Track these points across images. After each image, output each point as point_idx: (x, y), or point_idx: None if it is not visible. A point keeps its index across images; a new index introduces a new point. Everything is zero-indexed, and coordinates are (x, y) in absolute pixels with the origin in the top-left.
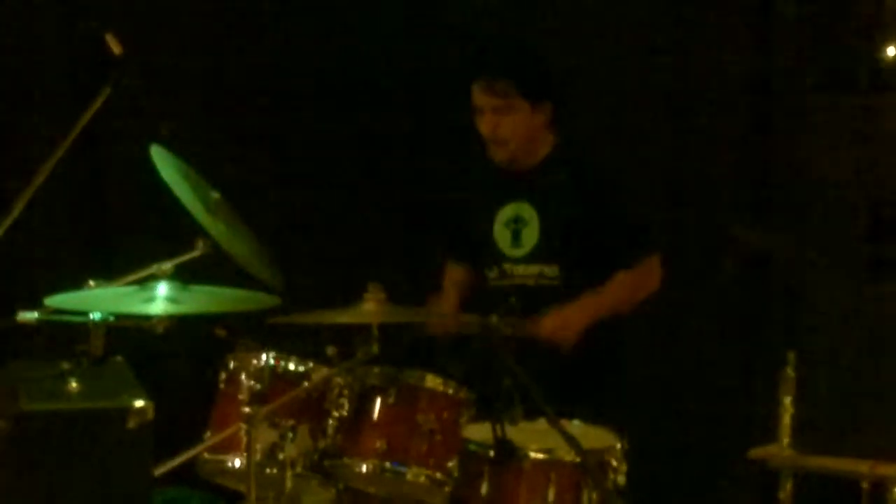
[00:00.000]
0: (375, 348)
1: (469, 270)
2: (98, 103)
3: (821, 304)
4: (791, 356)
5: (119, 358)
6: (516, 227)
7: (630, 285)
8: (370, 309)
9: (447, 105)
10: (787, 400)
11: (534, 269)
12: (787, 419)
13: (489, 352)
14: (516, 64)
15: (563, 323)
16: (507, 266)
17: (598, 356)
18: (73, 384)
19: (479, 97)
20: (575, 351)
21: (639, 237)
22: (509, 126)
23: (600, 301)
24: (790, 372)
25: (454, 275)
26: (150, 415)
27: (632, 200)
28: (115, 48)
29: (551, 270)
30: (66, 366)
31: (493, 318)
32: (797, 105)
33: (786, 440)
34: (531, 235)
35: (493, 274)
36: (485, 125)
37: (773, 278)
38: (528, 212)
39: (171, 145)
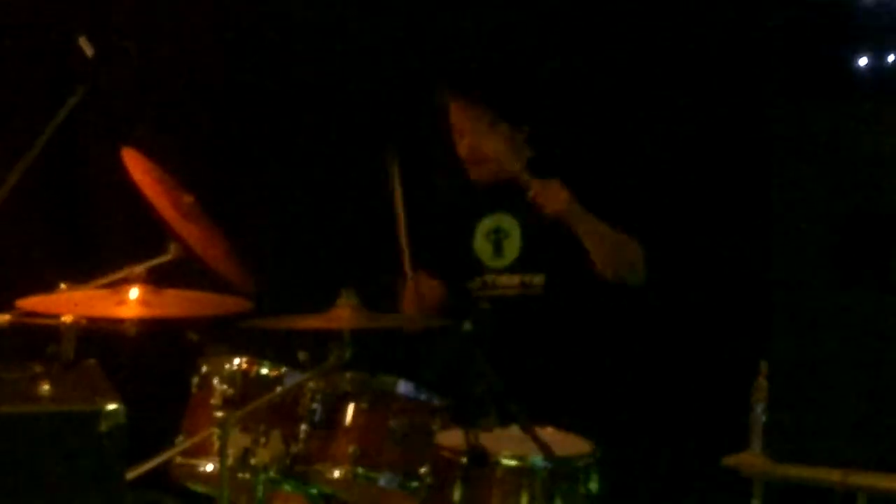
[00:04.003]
0: (348, 354)
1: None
2: (71, 105)
3: (793, 312)
4: (763, 364)
5: (91, 361)
6: (497, 238)
7: (625, 243)
8: (343, 314)
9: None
10: (760, 408)
11: (516, 279)
12: (759, 427)
13: (463, 357)
14: (495, 86)
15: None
16: (489, 278)
17: (571, 362)
18: (45, 387)
19: (459, 119)
20: (548, 357)
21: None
22: (489, 147)
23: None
24: (763, 380)
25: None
26: (123, 418)
27: (613, 200)
28: (88, 50)
29: (537, 279)
30: (37, 368)
31: (467, 325)
32: (768, 113)
33: (758, 448)
34: (513, 246)
35: (475, 286)
36: (464, 147)
37: (746, 286)
38: (508, 222)
39: (143, 147)
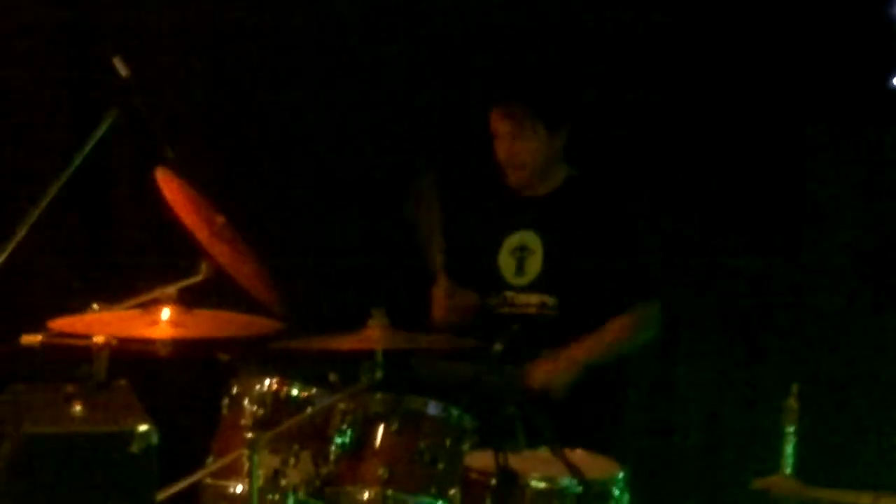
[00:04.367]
0: (379, 374)
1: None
2: (105, 125)
3: (825, 335)
4: (794, 387)
5: (123, 381)
6: (521, 256)
7: (624, 331)
8: (374, 335)
9: (460, 127)
10: (790, 430)
11: (534, 298)
12: (789, 449)
13: (493, 379)
14: (533, 88)
15: (551, 374)
16: (509, 294)
17: (601, 385)
18: (77, 407)
19: (497, 122)
20: (576, 385)
21: (639, 282)
22: (526, 151)
23: (591, 347)
24: (793, 402)
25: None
26: (154, 439)
27: (638, 244)
28: (123, 71)
29: (551, 300)
30: (69, 389)
31: (497, 346)
32: (800, 133)
33: (788, 470)
34: (535, 265)
35: (495, 301)
36: (502, 150)
37: (778, 308)
38: (533, 241)
39: (176, 168)
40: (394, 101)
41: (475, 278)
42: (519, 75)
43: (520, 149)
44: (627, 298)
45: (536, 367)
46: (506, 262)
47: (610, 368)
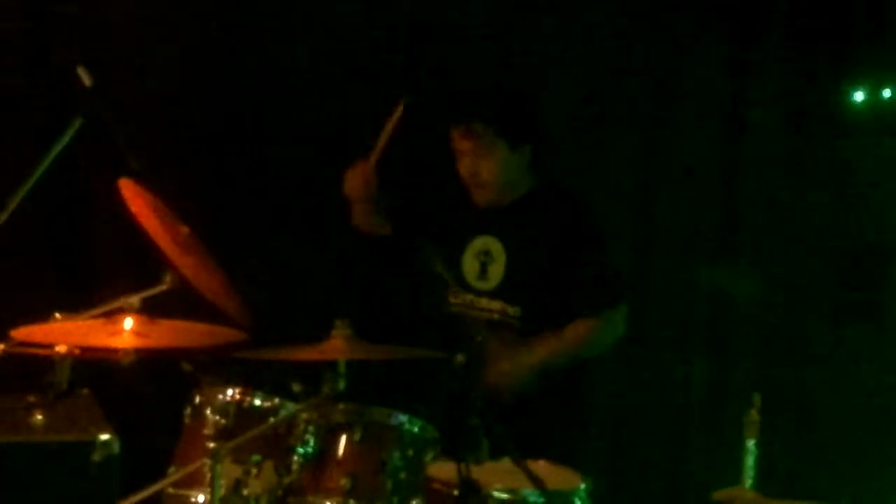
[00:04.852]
0: (341, 385)
1: None
2: (69, 133)
3: (787, 347)
4: (756, 398)
5: (85, 391)
6: (484, 261)
7: (588, 334)
8: (337, 345)
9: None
10: (751, 442)
11: (497, 304)
12: (750, 461)
13: (455, 390)
14: (494, 107)
15: (503, 376)
16: (471, 297)
17: (563, 395)
18: (39, 416)
19: (458, 141)
20: (539, 392)
21: (605, 287)
22: (488, 168)
23: (550, 348)
24: (755, 414)
25: None
26: (116, 448)
27: (603, 250)
28: (86, 80)
29: (514, 310)
30: (31, 398)
31: (460, 357)
32: (771, 146)
33: (749, 482)
34: (497, 272)
35: (457, 300)
36: (464, 168)
37: (741, 320)
38: (496, 248)
39: (140, 178)
40: (359, 112)
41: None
42: (478, 94)
43: (481, 167)
44: (593, 303)
45: (492, 368)
46: (470, 264)
47: (574, 378)
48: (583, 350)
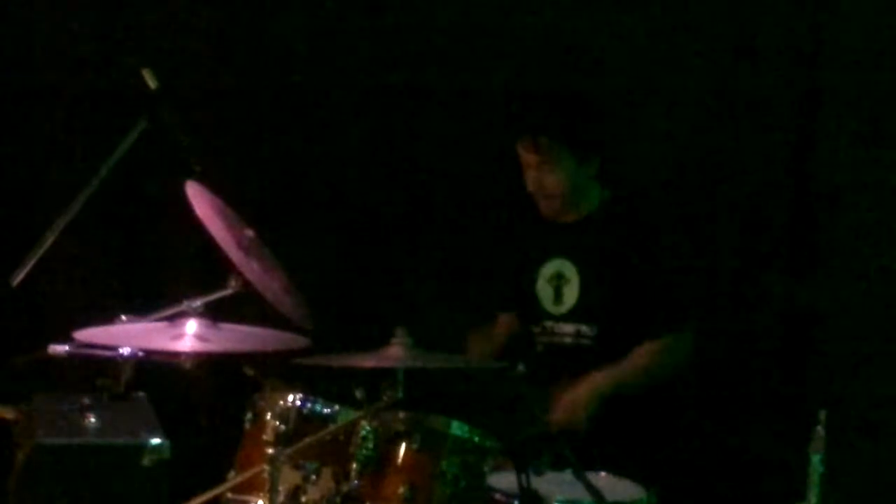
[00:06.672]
0: (400, 393)
1: (518, 319)
2: (134, 134)
3: (856, 363)
4: (822, 415)
5: (141, 394)
6: (558, 284)
7: (651, 359)
8: (395, 353)
9: (494, 154)
10: (817, 458)
11: (571, 328)
12: (816, 478)
13: (517, 400)
14: (560, 120)
15: (571, 408)
16: (548, 323)
17: (628, 408)
18: (91, 419)
19: (524, 154)
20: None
21: (672, 310)
22: (555, 181)
23: (613, 377)
24: (821, 430)
25: (505, 320)
26: (167, 453)
27: (666, 273)
28: (151, 83)
29: (589, 330)
30: (86, 400)
31: (520, 367)
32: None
33: (814, 499)
34: (571, 293)
35: (537, 330)
36: (531, 181)
37: (809, 334)
38: (569, 269)
39: (206, 182)
40: (425, 126)
41: (518, 307)
42: (544, 105)
43: (548, 179)
44: (658, 326)
45: (556, 405)
46: (543, 290)
47: (643, 405)
48: (643, 377)
